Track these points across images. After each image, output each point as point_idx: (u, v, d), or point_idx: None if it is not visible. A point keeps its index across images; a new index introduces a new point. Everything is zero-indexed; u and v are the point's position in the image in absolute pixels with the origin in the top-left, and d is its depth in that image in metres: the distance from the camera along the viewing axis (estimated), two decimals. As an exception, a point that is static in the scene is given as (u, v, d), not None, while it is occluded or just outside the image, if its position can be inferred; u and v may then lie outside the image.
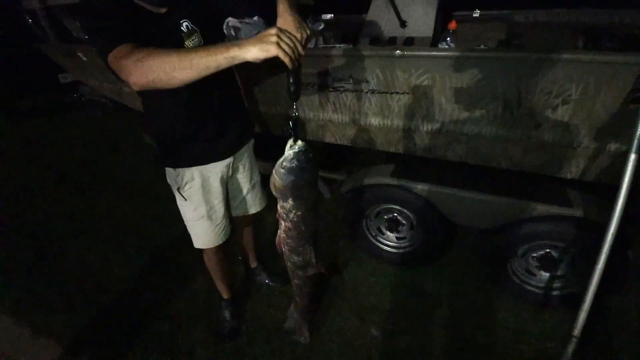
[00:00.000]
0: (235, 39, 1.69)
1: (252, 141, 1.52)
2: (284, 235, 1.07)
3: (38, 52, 3.25)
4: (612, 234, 1.12)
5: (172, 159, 1.33)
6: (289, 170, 0.89)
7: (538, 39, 2.28)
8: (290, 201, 0.96)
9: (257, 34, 1.71)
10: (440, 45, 1.65)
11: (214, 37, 1.18)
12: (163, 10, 1.09)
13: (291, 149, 0.89)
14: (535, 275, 1.70)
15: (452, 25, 1.66)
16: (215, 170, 1.37)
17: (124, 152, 3.84)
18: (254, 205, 1.62)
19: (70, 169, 3.57)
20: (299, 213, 0.98)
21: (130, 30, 0.93)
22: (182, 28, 1.11)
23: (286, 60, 0.80)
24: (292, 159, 0.89)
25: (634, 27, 2.00)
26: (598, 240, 1.14)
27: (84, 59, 2.69)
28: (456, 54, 1.33)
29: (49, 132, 4.67)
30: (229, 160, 1.39)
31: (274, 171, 0.93)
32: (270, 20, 2.11)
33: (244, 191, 1.55)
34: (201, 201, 1.37)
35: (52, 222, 2.73)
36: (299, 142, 0.90)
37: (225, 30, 1.74)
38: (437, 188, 1.69)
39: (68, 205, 2.94)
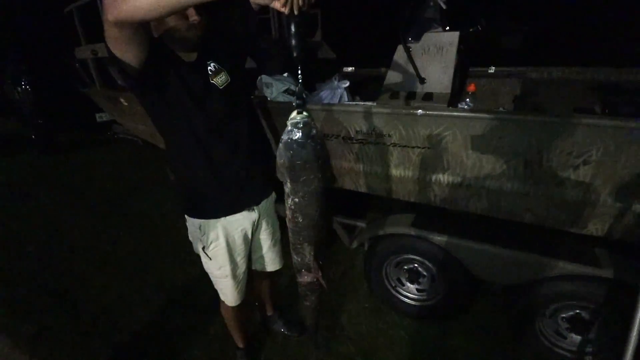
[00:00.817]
0: (268, 92, 1.84)
1: (273, 195, 1.49)
2: (288, 226, 0.95)
3: (78, 94, 3.58)
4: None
5: (197, 209, 1.31)
6: (285, 145, 0.79)
7: (554, 96, 2.35)
8: (288, 184, 0.85)
9: (286, 90, 1.85)
10: (460, 106, 1.74)
11: (239, 76, 1.25)
12: (194, 56, 1.16)
13: (291, 119, 0.78)
14: (565, 337, 1.61)
15: (472, 87, 1.76)
16: (241, 227, 1.35)
17: (152, 190, 4.00)
18: (272, 263, 1.58)
19: (99, 202, 3.72)
20: (296, 200, 0.86)
21: None
22: (209, 69, 1.17)
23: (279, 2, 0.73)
24: (289, 132, 0.78)
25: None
26: (629, 303, 1.10)
27: (125, 103, 2.94)
28: (476, 115, 1.40)
29: (81, 166, 4.95)
30: (254, 216, 1.38)
31: (277, 149, 0.85)
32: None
33: (264, 248, 1.53)
34: (226, 260, 1.36)
35: (77, 256, 2.81)
36: (302, 113, 0.78)
37: (258, 85, 1.91)
38: (457, 240, 1.69)
39: (93, 239, 3.03)
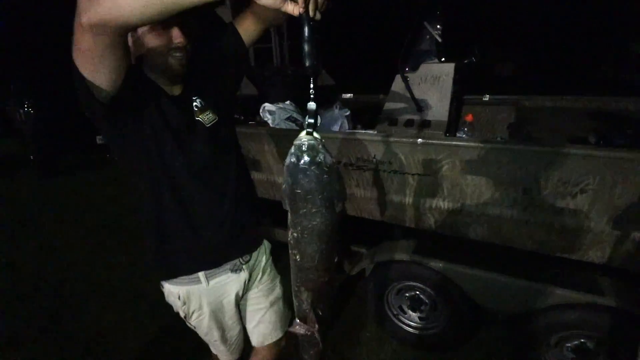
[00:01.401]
0: (271, 120, 1.89)
1: (266, 245, 1.26)
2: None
3: (79, 115, 3.64)
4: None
5: (172, 272, 1.08)
6: (286, 169, 0.69)
7: (548, 124, 2.42)
8: (289, 214, 0.74)
9: (288, 117, 1.89)
10: (458, 134, 1.78)
11: (227, 115, 1.12)
12: (178, 89, 1.00)
13: (295, 141, 0.68)
14: (571, 368, 1.58)
15: (469, 117, 1.81)
16: (228, 292, 1.14)
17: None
18: (271, 333, 1.29)
19: (96, 226, 3.69)
20: (295, 235, 0.75)
21: None
22: (194, 105, 1.02)
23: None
24: (291, 154, 0.68)
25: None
26: (633, 332, 1.10)
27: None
28: (474, 144, 1.44)
29: (80, 188, 4.94)
30: (244, 276, 1.15)
31: None
32: (301, 105, 2.33)
33: (259, 315, 1.27)
34: (213, 327, 1.16)
35: (71, 281, 2.75)
36: (312, 135, 0.67)
37: (261, 114, 1.97)
38: (458, 267, 1.68)
39: (89, 263, 2.99)
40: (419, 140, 1.48)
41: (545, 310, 1.52)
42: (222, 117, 1.06)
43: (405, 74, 2.12)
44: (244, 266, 1.15)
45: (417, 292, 1.87)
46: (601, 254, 1.45)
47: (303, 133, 0.67)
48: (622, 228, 1.34)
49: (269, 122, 1.91)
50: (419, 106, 2.23)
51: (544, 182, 1.39)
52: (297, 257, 0.78)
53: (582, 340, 1.49)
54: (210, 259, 1.08)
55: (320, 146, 0.68)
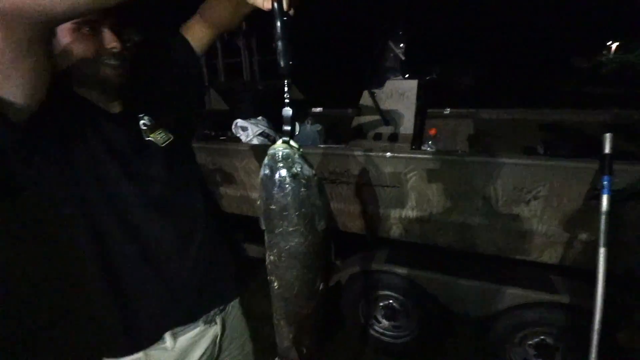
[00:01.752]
0: (244, 135, 1.89)
1: (237, 301, 1.03)
2: None
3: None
4: (599, 321, 1.19)
5: (129, 335, 0.82)
6: (260, 183, 0.62)
7: (504, 135, 2.61)
8: (265, 233, 0.66)
9: (261, 132, 1.90)
10: (424, 147, 1.89)
11: (184, 134, 0.95)
12: (118, 106, 0.81)
13: (269, 150, 0.61)
14: (535, 364, 1.69)
15: (433, 131, 1.93)
16: (198, 350, 0.91)
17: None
18: None
19: (50, 250, 3.43)
20: (271, 258, 0.66)
21: None
22: (141, 124, 0.83)
23: None
24: (264, 165, 0.61)
25: (584, 124, 2.37)
26: (586, 326, 1.21)
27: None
28: (438, 157, 1.54)
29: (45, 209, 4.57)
30: (217, 330, 0.94)
31: None
32: (273, 121, 2.35)
33: None
34: None
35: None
36: (283, 145, 0.60)
37: (233, 130, 1.97)
38: (425, 273, 1.75)
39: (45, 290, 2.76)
40: (387, 154, 1.56)
41: (507, 311, 1.62)
42: (178, 137, 0.88)
43: (372, 90, 2.22)
44: (217, 318, 0.94)
45: (391, 301, 1.93)
46: (555, 255, 1.58)
47: (279, 142, 0.61)
48: (572, 231, 1.48)
49: (242, 138, 1.92)
50: (386, 120, 2.34)
51: (501, 190, 1.51)
52: (275, 284, 0.68)
53: (542, 337, 1.60)
54: (180, 314, 0.86)
55: (296, 156, 0.60)
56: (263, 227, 0.65)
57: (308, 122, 1.95)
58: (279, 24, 0.57)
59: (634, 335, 1.42)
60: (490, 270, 1.74)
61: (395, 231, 1.86)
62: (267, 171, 0.61)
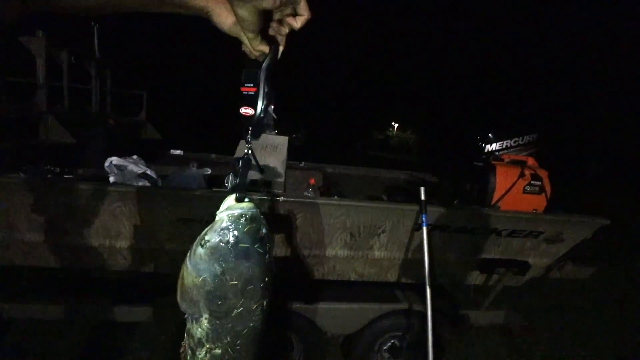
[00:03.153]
0: (120, 175, 1.66)
1: None
2: None
3: None
4: (431, 320, 1.73)
5: None
6: (213, 252, 0.51)
7: (350, 186, 3.30)
8: (204, 321, 0.53)
9: (142, 173, 1.78)
10: (305, 194, 2.21)
11: None
12: None
13: (225, 210, 0.52)
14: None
15: (312, 181, 2.29)
16: None
17: None
18: None
19: None
20: (217, 352, 0.54)
21: None
22: None
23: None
24: (227, 229, 0.51)
25: (409, 182, 3.33)
26: (421, 325, 1.72)
27: None
28: (319, 201, 1.88)
29: None
30: None
31: (187, 257, 0.54)
32: (146, 159, 2.20)
33: None
34: None
35: None
36: (246, 202, 0.53)
37: (107, 168, 1.70)
38: (310, 305, 1.99)
39: None
40: (281, 198, 1.78)
41: (370, 323, 2.03)
42: None
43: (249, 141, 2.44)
44: None
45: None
46: (396, 275, 2.14)
47: (230, 199, 0.53)
48: (405, 253, 2.07)
49: (115, 178, 1.68)
50: (261, 169, 2.55)
51: (361, 226, 1.97)
52: None
53: (393, 341, 2.08)
54: None
55: (260, 215, 0.54)
56: (198, 312, 0.52)
57: (193, 165, 1.93)
58: (265, 70, 0.53)
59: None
60: (346, 293, 2.14)
61: (287, 270, 2.03)
62: (228, 238, 0.50)
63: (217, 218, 0.53)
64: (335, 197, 2.86)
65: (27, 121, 2.22)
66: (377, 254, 2.04)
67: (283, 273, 2.04)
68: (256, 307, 0.53)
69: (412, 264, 2.05)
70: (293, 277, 2.07)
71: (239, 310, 0.52)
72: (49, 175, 1.87)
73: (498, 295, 2.22)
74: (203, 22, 0.53)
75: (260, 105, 0.54)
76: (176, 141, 3.85)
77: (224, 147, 3.17)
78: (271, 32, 0.51)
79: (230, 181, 0.60)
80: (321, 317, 2.01)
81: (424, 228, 1.83)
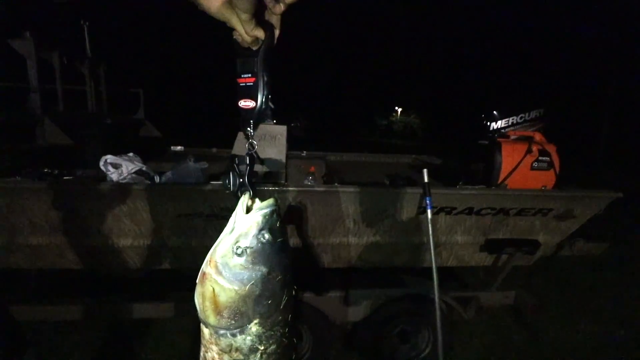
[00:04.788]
0: (116, 174, 1.64)
1: None
2: None
3: None
4: (438, 303, 1.70)
5: None
6: (262, 254, 0.49)
7: (351, 173, 3.26)
8: (254, 326, 0.51)
9: (138, 170, 1.76)
10: (305, 182, 2.17)
11: None
12: None
13: (257, 211, 0.50)
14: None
15: (312, 169, 2.25)
16: None
17: None
18: None
19: None
20: (273, 347, 0.53)
21: None
22: None
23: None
24: (264, 230, 0.49)
25: (398, 164, 3.27)
26: (428, 309, 1.69)
27: None
28: (320, 189, 1.84)
29: None
30: None
31: (212, 270, 0.49)
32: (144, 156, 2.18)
33: None
34: None
35: None
36: (269, 200, 0.51)
37: (102, 167, 1.68)
38: (318, 296, 1.98)
39: None
40: (282, 188, 1.74)
41: (377, 310, 2.01)
42: None
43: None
44: None
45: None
46: (401, 259, 2.11)
47: (245, 197, 0.51)
48: (411, 238, 2.03)
49: (113, 176, 1.66)
50: (261, 159, 2.54)
51: (365, 212, 1.93)
52: None
53: (402, 325, 2.07)
54: None
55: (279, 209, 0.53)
56: (251, 321, 0.50)
57: (190, 160, 1.91)
58: (262, 58, 0.49)
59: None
60: (353, 280, 2.12)
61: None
62: (268, 238, 0.49)
63: (243, 222, 0.50)
64: (337, 184, 2.83)
65: (24, 125, 2.21)
66: (381, 239, 2.00)
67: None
68: (288, 298, 0.54)
69: (418, 248, 2.02)
70: (298, 266, 2.05)
71: (285, 300, 0.53)
72: (48, 178, 1.86)
73: (508, 275, 2.18)
74: (198, 15, 0.47)
75: (260, 97, 0.52)
76: (176, 137, 3.82)
77: (224, 141, 3.14)
78: (266, 15, 0.47)
79: (231, 181, 0.56)
80: (329, 305, 1.99)
81: (429, 211, 1.78)
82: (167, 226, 1.79)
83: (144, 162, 1.81)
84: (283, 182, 2.37)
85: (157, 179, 1.77)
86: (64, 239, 1.76)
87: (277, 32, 0.50)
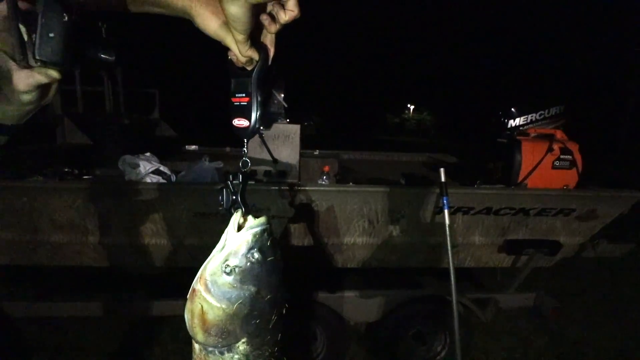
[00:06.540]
0: (134, 173, 1.67)
1: None
2: None
3: None
4: (455, 305, 1.67)
5: None
6: (251, 274, 0.48)
7: (364, 172, 3.24)
8: (242, 345, 0.51)
9: (156, 170, 1.78)
10: (320, 182, 2.16)
11: None
12: None
13: (247, 230, 0.49)
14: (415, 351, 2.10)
15: (326, 168, 2.24)
16: None
17: None
18: None
19: None
20: None
21: None
22: None
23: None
24: (253, 249, 0.48)
25: (412, 162, 3.23)
26: (444, 311, 1.66)
27: None
28: (334, 188, 1.83)
29: None
30: None
31: (201, 287, 0.49)
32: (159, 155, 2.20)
33: None
34: None
35: None
36: (260, 218, 0.50)
37: (121, 167, 1.71)
38: (332, 295, 1.97)
39: None
40: (296, 187, 1.73)
41: (393, 311, 1.99)
42: None
43: (261, 132, 2.40)
44: None
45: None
46: (417, 260, 2.07)
47: (238, 214, 0.50)
48: (428, 238, 2.00)
49: (131, 176, 1.69)
50: (275, 159, 2.54)
51: (379, 213, 1.91)
52: None
53: (418, 327, 2.04)
54: None
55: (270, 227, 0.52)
56: (238, 340, 0.50)
57: (205, 159, 1.92)
58: (256, 78, 0.50)
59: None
60: (368, 280, 2.10)
61: (300, 260, 2.01)
62: (258, 257, 0.48)
63: (234, 240, 0.49)
64: (351, 183, 2.80)
65: (44, 125, 2.27)
66: (397, 240, 1.98)
67: (302, 263, 2.02)
68: (277, 318, 0.53)
69: (434, 248, 1.98)
70: (313, 267, 2.05)
71: (275, 319, 0.52)
72: (69, 177, 1.90)
73: (528, 276, 2.12)
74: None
75: (254, 116, 0.52)
76: (191, 137, 3.87)
77: (237, 140, 3.15)
78: (262, 36, 0.49)
79: (224, 199, 0.55)
80: (344, 306, 1.98)
81: (446, 211, 1.74)
82: (184, 225, 1.80)
83: (160, 161, 1.82)
84: (296, 181, 2.37)
85: (173, 178, 1.78)
86: (83, 237, 1.80)
87: (271, 52, 0.51)
